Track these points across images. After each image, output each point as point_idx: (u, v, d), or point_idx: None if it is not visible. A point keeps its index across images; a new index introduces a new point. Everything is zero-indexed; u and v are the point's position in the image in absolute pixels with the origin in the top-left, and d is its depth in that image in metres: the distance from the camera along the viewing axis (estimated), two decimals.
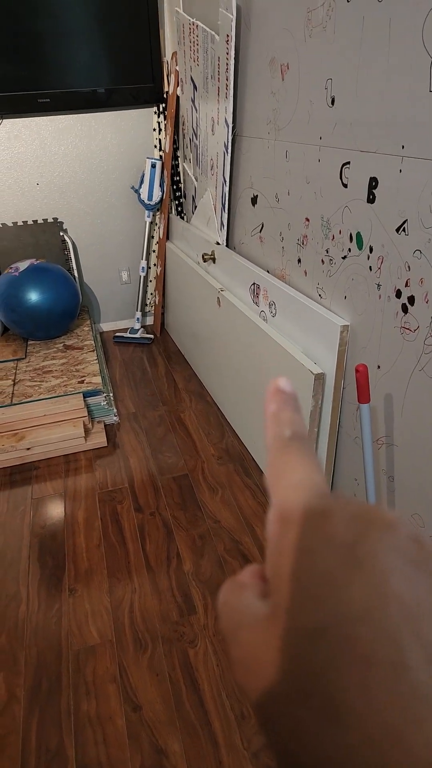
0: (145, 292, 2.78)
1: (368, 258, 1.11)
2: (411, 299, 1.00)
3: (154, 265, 2.74)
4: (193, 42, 1.88)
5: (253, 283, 1.65)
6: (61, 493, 1.66)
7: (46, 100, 2.16)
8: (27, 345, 2.28)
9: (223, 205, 1.89)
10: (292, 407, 0.20)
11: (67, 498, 1.64)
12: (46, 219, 2.46)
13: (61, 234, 2.51)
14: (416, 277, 0.98)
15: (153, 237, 2.67)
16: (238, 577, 0.18)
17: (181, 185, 2.53)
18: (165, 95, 2.33)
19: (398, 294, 1.04)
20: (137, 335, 2.68)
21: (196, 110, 2.04)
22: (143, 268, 2.63)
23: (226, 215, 1.91)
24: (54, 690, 1.10)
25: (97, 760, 0.98)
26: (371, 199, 1.06)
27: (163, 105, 2.37)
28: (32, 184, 2.39)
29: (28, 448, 1.77)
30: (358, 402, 1.10)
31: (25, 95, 2.13)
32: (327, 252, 1.28)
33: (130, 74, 2.22)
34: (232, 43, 1.55)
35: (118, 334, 2.72)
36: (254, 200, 1.69)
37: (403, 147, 0.94)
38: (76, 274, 2.60)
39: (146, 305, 2.85)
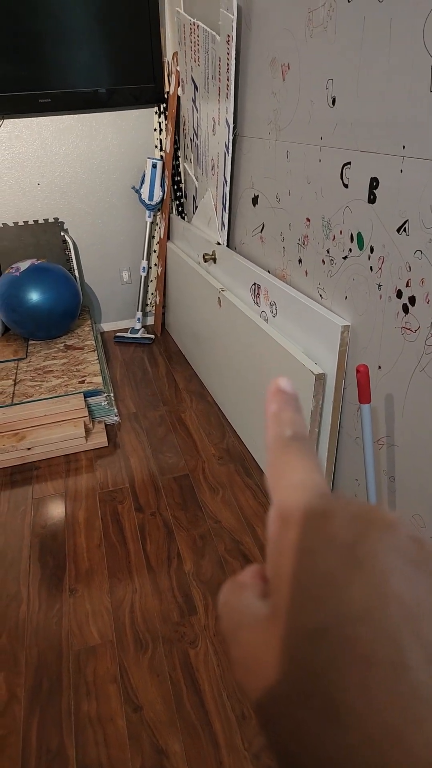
0: (145, 292, 2.78)
1: (369, 258, 1.11)
2: (412, 299, 1.00)
3: (155, 265, 2.74)
4: (194, 42, 1.88)
5: (254, 284, 1.65)
6: (62, 493, 1.66)
7: (47, 101, 2.16)
8: (28, 345, 2.28)
9: (224, 205, 1.89)
10: (293, 407, 0.20)
11: (68, 498, 1.64)
12: (47, 219, 2.47)
13: (62, 234, 2.51)
14: (417, 278, 0.97)
15: (154, 237, 2.68)
16: (239, 578, 0.18)
17: (182, 185, 2.53)
18: (166, 95, 2.33)
19: (399, 294, 1.03)
20: (138, 335, 2.68)
21: (197, 110, 2.04)
22: (144, 268, 2.63)
23: (226, 215, 1.91)
24: (54, 690, 1.10)
25: (97, 760, 0.98)
26: (372, 199, 1.06)
27: (164, 105, 2.37)
28: (33, 184, 2.39)
29: (29, 448, 1.77)
30: (359, 402, 1.10)
31: (26, 95, 2.13)
32: (328, 252, 1.28)
33: (130, 74, 2.22)
34: (233, 44, 1.55)
35: (118, 334, 2.72)
36: (255, 200, 1.69)
37: (403, 147, 0.94)
38: (76, 274, 2.60)
39: (147, 305, 2.85)
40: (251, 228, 1.76)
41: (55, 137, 2.32)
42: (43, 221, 2.46)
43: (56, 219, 2.48)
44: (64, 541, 1.47)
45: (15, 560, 1.42)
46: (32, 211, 2.44)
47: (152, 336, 2.70)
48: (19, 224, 2.43)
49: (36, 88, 2.13)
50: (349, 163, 1.12)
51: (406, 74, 0.90)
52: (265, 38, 1.41)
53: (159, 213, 2.57)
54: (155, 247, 2.69)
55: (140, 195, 2.46)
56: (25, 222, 2.44)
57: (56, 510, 1.59)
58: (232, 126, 1.71)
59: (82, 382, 1.95)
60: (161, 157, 2.47)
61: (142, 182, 2.43)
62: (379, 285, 1.09)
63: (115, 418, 1.99)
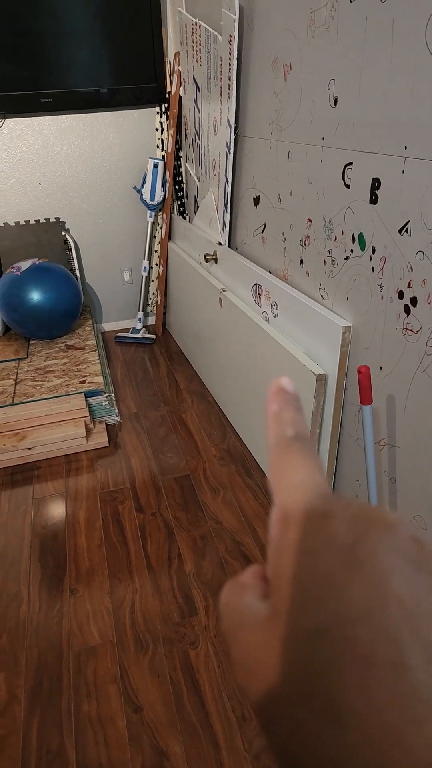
0: (147, 292, 2.78)
1: (371, 259, 1.11)
2: (413, 300, 1.00)
3: (156, 265, 2.74)
4: (196, 42, 1.88)
5: (255, 284, 1.65)
6: (63, 493, 1.66)
7: (49, 100, 2.16)
8: (29, 345, 2.28)
9: (226, 206, 1.89)
10: (294, 407, 0.20)
11: (69, 498, 1.64)
12: (49, 219, 2.47)
13: (63, 234, 2.51)
14: (419, 278, 0.97)
15: (155, 237, 2.67)
16: (240, 578, 0.18)
17: (184, 185, 2.53)
18: (167, 95, 2.33)
19: (401, 295, 1.03)
20: (139, 335, 2.68)
21: (199, 110, 2.04)
22: (145, 268, 2.63)
23: (228, 215, 1.91)
24: (55, 690, 1.10)
25: (98, 761, 0.98)
26: (374, 199, 1.06)
27: (166, 105, 2.37)
28: (34, 184, 2.39)
29: (30, 448, 1.77)
30: (360, 403, 1.09)
31: (28, 95, 2.13)
32: (329, 253, 1.28)
33: (132, 74, 2.22)
34: (235, 44, 1.55)
35: (119, 334, 2.72)
36: (256, 201, 1.69)
37: (405, 148, 0.94)
38: (78, 274, 2.60)
39: (148, 305, 2.85)
40: (252, 228, 1.76)
41: (57, 137, 2.32)
42: (44, 221, 2.46)
43: (57, 219, 2.48)
44: (65, 541, 1.47)
45: (15, 560, 1.42)
46: (33, 211, 2.44)
47: (153, 336, 2.70)
48: (21, 224, 2.43)
49: (37, 87, 2.13)
50: (351, 163, 1.11)
51: (409, 74, 0.90)
52: (267, 38, 1.41)
53: (160, 213, 2.57)
54: (156, 247, 2.69)
55: (142, 195, 2.46)
56: (27, 221, 2.44)
57: (57, 510, 1.59)
58: (233, 126, 1.71)
59: (83, 382, 1.95)
60: (163, 157, 2.47)
61: (144, 182, 2.43)
62: (380, 286, 1.09)
63: (116, 418, 1.99)
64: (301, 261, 1.44)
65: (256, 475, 1.70)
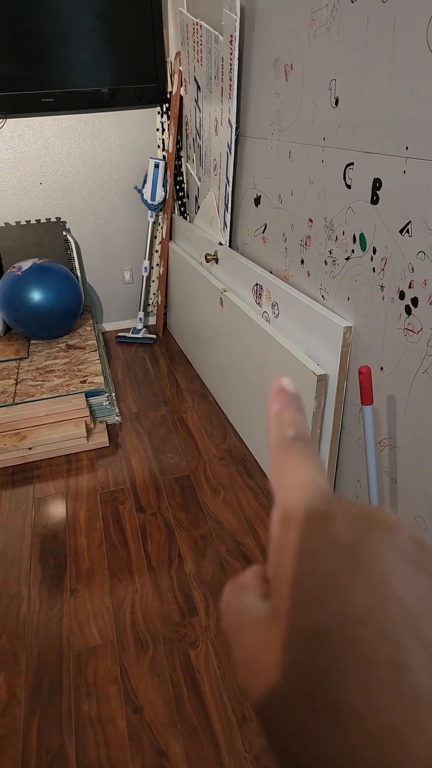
0: (147, 292, 2.78)
1: (371, 259, 1.11)
2: (414, 301, 1.00)
3: (157, 265, 2.74)
4: (197, 42, 1.88)
5: (256, 284, 1.65)
6: (63, 493, 1.66)
7: (50, 100, 2.17)
8: (29, 344, 2.28)
9: (226, 206, 1.89)
10: (295, 408, 0.20)
11: (69, 498, 1.64)
12: (49, 218, 2.47)
13: (64, 233, 2.51)
14: (420, 279, 0.97)
15: (156, 237, 2.67)
16: (240, 578, 0.18)
17: (184, 185, 2.53)
18: (168, 95, 2.33)
19: (402, 296, 1.03)
20: (140, 335, 2.68)
21: (200, 110, 2.04)
22: (146, 268, 2.63)
23: (229, 216, 1.91)
24: (55, 690, 1.10)
25: (98, 761, 0.98)
26: (375, 200, 1.06)
27: (167, 105, 2.37)
28: (35, 184, 2.39)
29: (30, 448, 1.77)
30: (361, 404, 1.09)
31: (29, 95, 2.13)
32: (330, 253, 1.28)
33: (133, 74, 2.22)
34: (236, 44, 1.55)
35: (120, 334, 2.72)
36: (257, 201, 1.69)
37: (407, 148, 0.94)
38: (78, 274, 2.60)
39: (149, 305, 2.85)
40: (253, 228, 1.76)
41: (58, 137, 2.32)
42: (45, 221, 2.46)
43: (58, 218, 2.48)
44: (65, 541, 1.47)
45: (16, 560, 1.42)
46: (34, 211, 2.44)
47: (154, 336, 2.70)
48: (21, 224, 2.43)
49: (39, 87, 2.13)
50: (352, 163, 1.11)
51: (410, 75, 0.90)
52: (268, 38, 1.41)
53: (161, 213, 2.57)
54: (157, 247, 2.69)
55: (142, 195, 2.46)
56: (27, 221, 2.44)
57: (57, 510, 1.59)
58: (234, 126, 1.71)
59: (84, 381, 1.95)
60: (164, 157, 2.47)
61: (145, 182, 2.43)
62: (381, 286, 1.09)
63: (117, 418, 1.99)
64: (302, 261, 1.44)
65: (257, 475, 1.70)
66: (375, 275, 1.11)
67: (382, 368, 1.14)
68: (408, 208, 0.97)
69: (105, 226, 2.58)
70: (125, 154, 2.45)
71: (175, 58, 2.23)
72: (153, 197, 2.45)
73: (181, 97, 2.27)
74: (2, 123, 2.23)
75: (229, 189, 1.85)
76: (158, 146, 2.47)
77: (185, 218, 2.54)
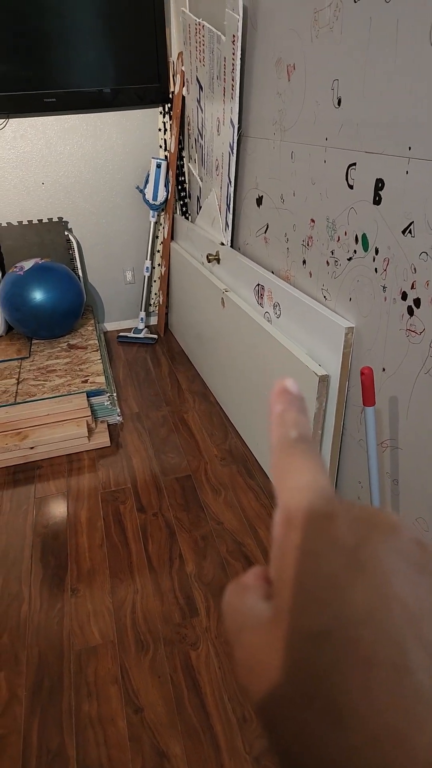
0: (149, 292, 2.78)
1: (374, 260, 1.10)
2: (417, 302, 1.00)
3: (159, 265, 2.74)
4: (199, 42, 1.88)
5: (258, 284, 1.65)
6: (64, 493, 1.66)
7: (52, 100, 2.17)
8: (31, 344, 2.28)
9: (228, 206, 1.89)
10: (298, 408, 0.20)
11: (70, 498, 1.64)
12: (51, 218, 2.47)
13: (66, 233, 2.51)
14: (422, 280, 0.97)
15: (157, 237, 2.67)
16: (242, 579, 0.18)
17: (186, 185, 2.52)
18: (171, 95, 2.33)
19: (404, 296, 1.03)
20: (141, 335, 2.68)
21: (202, 110, 2.04)
22: (147, 268, 2.63)
23: (230, 216, 1.90)
24: (55, 690, 1.10)
25: (98, 761, 0.97)
26: (377, 200, 1.06)
27: (169, 105, 2.37)
28: (38, 184, 2.39)
29: (32, 447, 1.77)
30: (363, 405, 1.09)
31: (31, 95, 2.13)
32: (332, 253, 1.27)
33: (135, 74, 2.22)
34: (239, 44, 1.54)
35: (122, 333, 2.73)
36: (259, 201, 1.69)
37: (409, 148, 0.94)
38: (80, 274, 2.60)
39: (150, 305, 2.85)
40: (255, 228, 1.76)
41: (60, 137, 2.32)
42: (47, 220, 2.46)
43: (60, 218, 2.48)
44: (66, 541, 1.47)
45: (17, 560, 1.42)
46: (36, 211, 2.44)
47: (155, 336, 2.70)
48: (24, 223, 2.43)
49: (41, 87, 2.13)
50: (355, 164, 1.11)
51: (412, 74, 0.90)
52: (271, 38, 1.41)
53: (163, 213, 2.57)
54: (159, 247, 2.69)
55: (144, 195, 2.46)
56: (30, 221, 2.44)
57: (58, 509, 1.59)
58: (236, 126, 1.71)
59: (85, 381, 1.95)
60: (166, 157, 2.47)
61: (147, 182, 2.43)
62: (383, 287, 1.09)
63: (118, 418, 1.99)
64: (304, 261, 1.43)
65: (258, 475, 1.70)
66: (377, 276, 1.10)
67: (384, 369, 1.14)
68: (410, 208, 0.96)
69: (107, 226, 2.58)
70: (127, 154, 2.45)
71: (178, 58, 2.23)
72: (155, 197, 2.45)
73: (184, 97, 2.27)
74: (5, 123, 2.23)
75: (231, 189, 1.85)
76: (160, 146, 2.47)
77: (187, 218, 2.54)
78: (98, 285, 2.72)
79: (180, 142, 2.41)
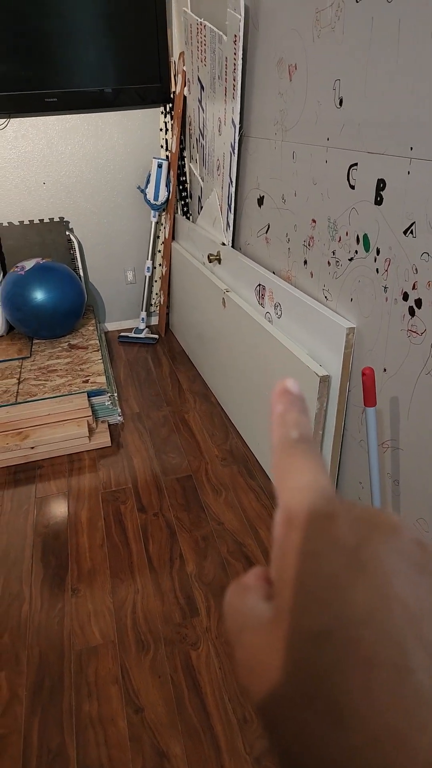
0: (150, 292, 2.78)
1: (375, 260, 1.10)
2: (418, 302, 0.99)
3: (160, 265, 2.74)
4: (201, 42, 1.88)
5: (259, 284, 1.65)
6: (65, 493, 1.66)
7: (54, 100, 2.17)
8: (32, 344, 2.29)
9: (229, 206, 1.89)
10: (299, 409, 0.20)
11: (71, 497, 1.64)
12: (53, 218, 2.47)
13: (67, 233, 2.51)
14: (424, 280, 0.97)
15: (159, 237, 2.67)
16: (243, 580, 0.18)
17: (187, 185, 2.53)
18: (172, 95, 2.33)
19: (405, 297, 1.03)
20: (142, 335, 2.68)
21: (203, 110, 2.03)
22: (148, 268, 2.63)
23: (232, 216, 1.90)
24: (56, 690, 1.10)
25: (98, 761, 0.97)
26: (379, 200, 1.06)
27: (170, 105, 2.37)
28: (39, 183, 2.39)
29: (32, 447, 1.77)
30: (364, 405, 1.09)
31: (33, 95, 2.14)
32: (333, 254, 1.27)
33: (137, 74, 2.22)
34: (240, 44, 1.54)
35: (122, 333, 2.73)
36: (260, 201, 1.68)
37: (411, 149, 0.94)
38: (81, 274, 2.60)
39: (151, 305, 2.85)
40: (256, 229, 1.76)
41: (61, 137, 2.32)
42: (48, 220, 2.46)
43: (61, 218, 2.48)
44: (67, 541, 1.47)
45: (18, 559, 1.42)
46: (38, 210, 2.45)
47: (156, 336, 2.70)
48: (25, 223, 2.43)
49: (42, 87, 2.13)
50: (356, 164, 1.11)
51: (414, 74, 0.90)
52: (273, 38, 1.41)
53: (164, 213, 2.57)
54: (160, 247, 2.69)
55: (145, 195, 2.46)
56: (31, 221, 2.44)
57: (59, 509, 1.59)
58: (238, 126, 1.71)
59: (86, 381, 1.95)
60: (167, 157, 2.47)
61: (148, 182, 2.43)
62: (385, 287, 1.09)
63: (119, 418, 1.99)
64: (305, 262, 1.43)
65: (259, 476, 1.70)
66: (378, 276, 1.10)
67: (385, 370, 1.14)
68: (412, 208, 0.96)
69: (108, 225, 2.58)
70: (128, 154, 2.45)
71: (179, 58, 2.23)
72: (156, 197, 2.45)
73: (185, 97, 2.27)
74: (6, 123, 2.23)
75: (233, 189, 1.85)
76: (161, 146, 2.47)
77: (188, 218, 2.54)
78: (99, 285, 2.72)
79: (181, 142, 2.41)
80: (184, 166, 2.49)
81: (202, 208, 2.25)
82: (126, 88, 2.24)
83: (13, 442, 1.75)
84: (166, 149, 2.48)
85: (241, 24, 1.51)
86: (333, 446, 1.36)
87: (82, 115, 2.30)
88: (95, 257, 2.64)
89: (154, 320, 2.89)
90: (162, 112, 2.40)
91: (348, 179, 1.15)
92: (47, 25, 2.02)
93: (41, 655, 1.17)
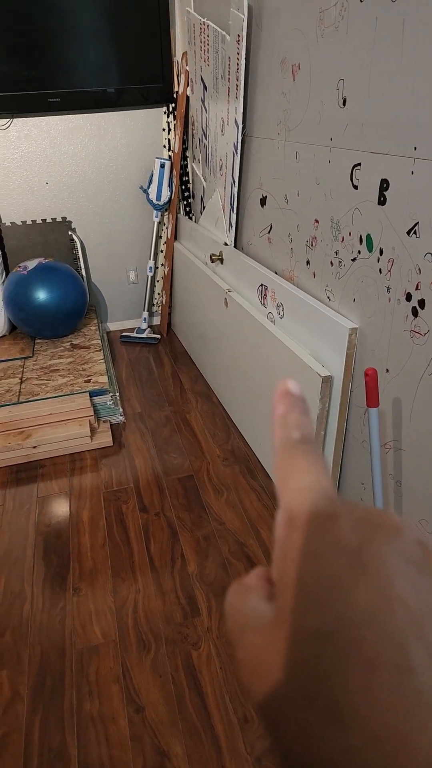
0: (152, 292, 2.78)
1: (378, 260, 1.10)
2: (421, 303, 0.99)
3: (162, 265, 2.74)
4: (204, 42, 1.88)
5: (261, 285, 1.65)
6: (67, 492, 1.66)
7: (57, 100, 2.17)
8: (34, 343, 2.29)
9: (232, 206, 1.89)
10: (301, 410, 0.20)
11: (73, 497, 1.64)
12: (55, 218, 2.47)
13: (70, 233, 2.51)
14: (427, 281, 0.97)
15: (161, 237, 2.68)
16: (245, 580, 0.18)
17: (190, 185, 2.53)
18: (175, 95, 2.33)
19: (408, 297, 1.03)
20: (144, 335, 2.68)
21: (206, 110, 2.04)
22: (151, 268, 2.63)
23: (234, 216, 1.90)
24: (57, 689, 1.10)
25: (99, 760, 0.98)
26: (382, 201, 1.05)
27: (173, 105, 2.37)
28: (41, 183, 2.39)
29: (35, 447, 1.77)
30: (367, 406, 1.09)
31: (36, 95, 2.14)
32: (336, 254, 1.27)
33: (140, 74, 2.22)
34: (243, 43, 1.54)
35: (124, 333, 2.73)
36: (263, 201, 1.68)
37: (415, 148, 0.93)
38: (84, 274, 2.61)
39: (153, 305, 2.85)
40: (259, 229, 1.76)
41: (64, 136, 2.33)
42: (51, 220, 2.46)
43: (64, 218, 2.48)
44: (68, 540, 1.47)
45: (19, 558, 1.42)
46: (40, 210, 2.45)
47: (158, 336, 2.70)
48: (27, 223, 2.44)
49: (45, 87, 2.14)
50: (359, 164, 1.11)
51: (418, 75, 0.90)
52: (276, 38, 1.41)
53: (166, 213, 2.57)
54: (162, 247, 2.70)
55: (148, 195, 2.46)
56: (33, 221, 2.45)
57: (61, 509, 1.59)
58: (241, 126, 1.70)
59: (88, 381, 1.96)
60: (169, 157, 2.47)
61: (150, 182, 2.43)
62: (388, 288, 1.09)
63: (121, 417, 1.99)
64: (308, 262, 1.43)
65: (260, 476, 1.69)
66: (381, 276, 1.10)
67: (387, 370, 1.14)
68: (415, 209, 0.96)
69: (110, 225, 2.58)
70: (131, 154, 2.45)
71: (182, 58, 2.24)
72: (158, 197, 2.45)
73: (188, 97, 2.27)
74: (9, 123, 2.24)
75: (235, 189, 1.85)
76: (164, 146, 2.48)
77: (190, 218, 2.54)
78: (101, 285, 2.73)
79: (184, 142, 2.41)
80: (186, 166, 2.49)
81: (204, 208, 2.25)
82: (129, 88, 2.24)
83: (15, 441, 1.75)
84: (169, 149, 2.48)
85: (245, 24, 1.51)
86: (335, 447, 1.36)
87: (85, 115, 2.31)
88: (98, 257, 2.65)
89: (156, 320, 2.90)
90: (165, 112, 2.40)
91: (351, 179, 1.15)
92: (50, 25, 2.02)
93: (43, 654, 1.17)
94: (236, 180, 1.82)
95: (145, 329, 2.70)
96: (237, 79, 1.64)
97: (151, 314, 2.85)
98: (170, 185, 2.43)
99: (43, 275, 2.14)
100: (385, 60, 0.97)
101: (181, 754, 0.98)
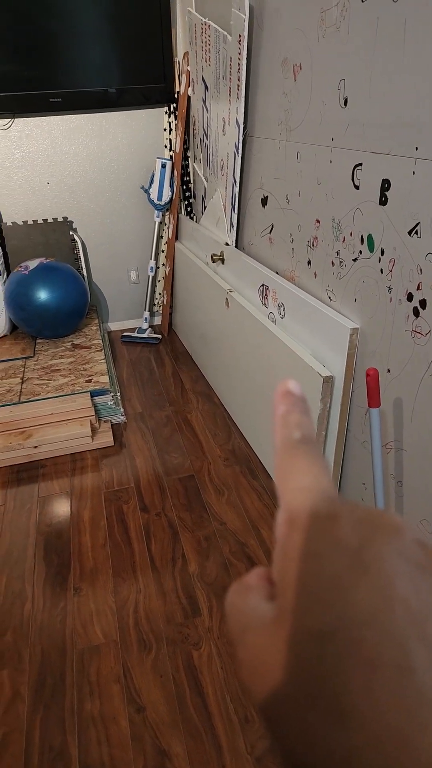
0: (153, 292, 2.78)
1: (379, 260, 1.10)
2: (423, 303, 0.99)
3: (163, 265, 2.74)
4: (205, 42, 1.88)
5: (262, 285, 1.64)
6: (68, 492, 1.66)
7: (58, 100, 2.17)
8: (35, 343, 2.29)
9: (233, 206, 1.89)
10: (301, 410, 0.20)
11: (74, 497, 1.64)
12: (56, 218, 2.47)
13: (71, 233, 2.52)
14: (428, 281, 0.96)
15: (162, 237, 2.68)
16: (245, 580, 0.18)
17: (191, 185, 2.53)
18: (176, 95, 2.33)
19: (410, 297, 1.02)
20: (145, 335, 2.68)
21: (207, 110, 2.04)
22: (152, 268, 2.63)
23: (235, 216, 1.90)
24: (58, 689, 1.10)
25: (100, 760, 0.98)
26: (383, 201, 1.05)
27: (174, 105, 2.37)
28: (43, 183, 2.40)
29: (36, 447, 1.77)
30: (368, 406, 1.09)
31: (37, 95, 2.14)
32: (337, 254, 1.27)
33: (141, 74, 2.22)
34: (245, 44, 1.54)
35: (126, 333, 2.73)
36: (264, 201, 1.68)
37: (416, 149, 0.93)
38: (85, 274, 2.61)
39: (154, 305, 2.85)
40: (260, 229, 1.76)
41: (65, 137, 2.33)
42: (52, 220, 2.47)
43: (65, 218, 2.49)
44: (69, 540, 1.47)
45: (20, 558, 1.42)
46: (41, 210, 2.45)
47: (159, 336, 2.70)
48: (29, 223, 2.44)
49: (47, 87, 2.14)
50: (361, 164, 1.11)
51: (420, 74, 0.90)
52: (277, 38, 1.41)
53: (168, 213, 2.57)
54: (163, 247, 2.70)
55: (149, 195, 2.47)
56: (35, 221, 2.45)
57: (62, 509, 1.59)
58: (242, 126, 1.70)
59: (89, 381, 1.96)
60: (171, 157, 2.47)
61: (151, 182, 2.43)
62: (389, 288, 1.08)
63: (121, 417, 1.99)
64: (309, 262, 1.43)
65: (261, 476, 1.69)
66: (383, 277, 1.10)
67: (388, 370, 1.14)
68: (417, 209, 0.96)
69: (111, 225, 2.59)
70: (132, 154, 2.45)
71: (183, 58, 2.24)
72: (160, 197, 2.45)
73: (189, 97, 2.27)
74: (10, 123, 2.24)
75: (236, 189, 1.85)
76: (165, 146, 2.48)
77: (192, 218, 2.54)
78: (103, 285, 2.73)
79: (185, 142, 2.41)
80: (187, 166, 2.49)
81: (205, 208, 2.25)
82: (130, 88, 2.24)
83: (16, 441, 1.76)
84: (170, 149, 2.48)
85: (246, 24, 1.51)
86: (336, 447, 1.36)
87: (86, 115, 2.31)
88: (99, 257, 2.65)
89: (157, 320, 2.90)
90: (166, 112, 2.40)
91: (352, 179, 1.15)
92: (52, 25, 2.02)
93: (43, 653, 1.17)
94: (237, 180, 1.82)
95: (146, 329, 2.70)
96: (238, 79, 1.64)
97: (152, 314, 2.85)
98: (171, 185, 2.43)
99: (44, 275, 2.14)
100: (386, 60, 0.97)
101: (182, 754, 0.98)
